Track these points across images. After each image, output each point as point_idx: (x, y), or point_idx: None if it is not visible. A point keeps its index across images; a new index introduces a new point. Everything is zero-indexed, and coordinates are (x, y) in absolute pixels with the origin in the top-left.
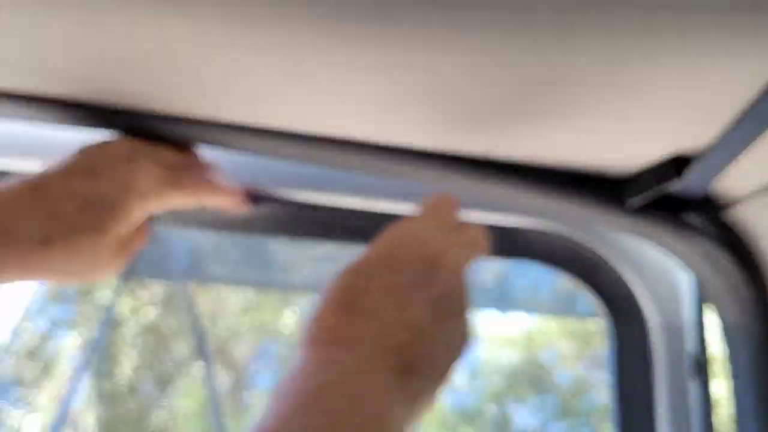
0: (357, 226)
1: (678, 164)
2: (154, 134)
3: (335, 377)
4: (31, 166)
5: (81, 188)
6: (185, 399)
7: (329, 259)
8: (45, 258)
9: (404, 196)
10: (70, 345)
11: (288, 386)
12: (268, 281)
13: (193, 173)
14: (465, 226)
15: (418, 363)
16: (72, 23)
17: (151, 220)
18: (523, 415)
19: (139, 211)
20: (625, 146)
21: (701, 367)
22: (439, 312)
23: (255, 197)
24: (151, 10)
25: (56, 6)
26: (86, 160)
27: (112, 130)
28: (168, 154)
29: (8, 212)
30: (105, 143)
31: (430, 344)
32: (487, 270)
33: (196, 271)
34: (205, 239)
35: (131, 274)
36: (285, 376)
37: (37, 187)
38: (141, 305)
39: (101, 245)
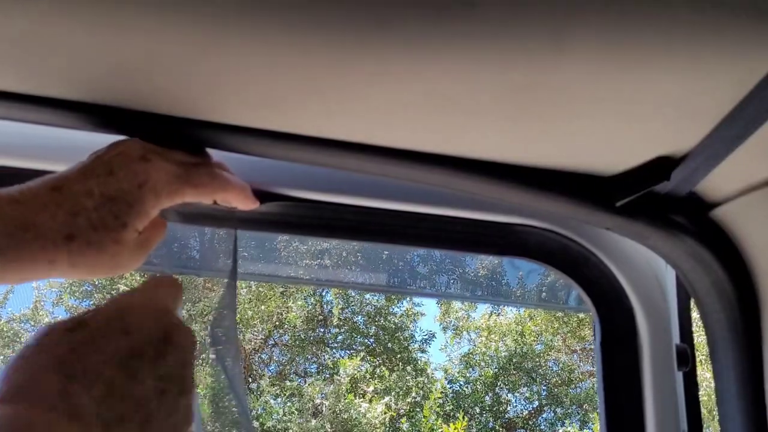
0: (358, 224)
1: (665, 165)
2: (167, 137)
3: None
4: (47, 167)
5: (98, 186)
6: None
7: (331, 254)
8: (69, 254)
9: (404, 196)
10: None
11: None
12: (274, 275)
13: (205, 171)
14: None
15: None
16: (92, 33)
17: (165, 216)
18: (514, 402)
19: (154, 207)
20: (614, 148)
21: (687, 357)
22: (165, 389)
23: (262, 195)
24: (165, 21)
25: (78, 18)
26: (102, 161)
27: (126, 132)
28: (180, 154)
29: (32, 208)
30: (119, 143)
31: (152, 420)
32: (481, 265)
33: (205, 265)
34: (214, 235)
35: (146, 268)
36: None
37: (57, 186)
38: None
39: (121, 241)
